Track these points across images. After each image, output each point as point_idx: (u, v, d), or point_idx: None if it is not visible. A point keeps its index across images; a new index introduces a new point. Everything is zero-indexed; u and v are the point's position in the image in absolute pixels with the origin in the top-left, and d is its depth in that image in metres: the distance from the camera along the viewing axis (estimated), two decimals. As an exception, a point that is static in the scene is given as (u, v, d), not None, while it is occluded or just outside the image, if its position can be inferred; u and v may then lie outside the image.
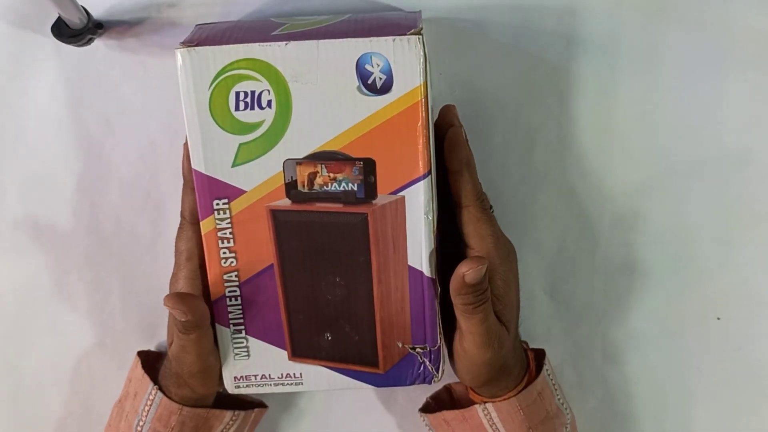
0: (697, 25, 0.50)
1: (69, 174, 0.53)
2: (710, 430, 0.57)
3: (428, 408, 0.52)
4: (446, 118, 0.45)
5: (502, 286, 0.45)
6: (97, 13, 0.50)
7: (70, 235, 0.54)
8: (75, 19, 0.47)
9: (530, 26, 0.50)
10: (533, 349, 0.51)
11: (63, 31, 0.48)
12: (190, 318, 0.42)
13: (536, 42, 0.51)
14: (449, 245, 0.46)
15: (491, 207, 0.46)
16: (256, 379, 0.47)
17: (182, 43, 0.41)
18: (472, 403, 0.48)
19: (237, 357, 0.46)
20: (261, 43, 0.40)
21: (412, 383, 0.47)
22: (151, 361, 0.50)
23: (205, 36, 0.42)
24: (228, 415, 0.48)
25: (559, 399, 0.50)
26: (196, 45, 0.41)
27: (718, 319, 0.55)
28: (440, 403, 0.52)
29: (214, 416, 0.47)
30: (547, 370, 0.49)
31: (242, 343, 0.46)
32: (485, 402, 0.47)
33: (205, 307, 0.44)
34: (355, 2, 0.49)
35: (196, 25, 0.45)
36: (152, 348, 0.55)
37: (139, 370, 0.49)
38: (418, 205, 0.43)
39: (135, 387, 0.49)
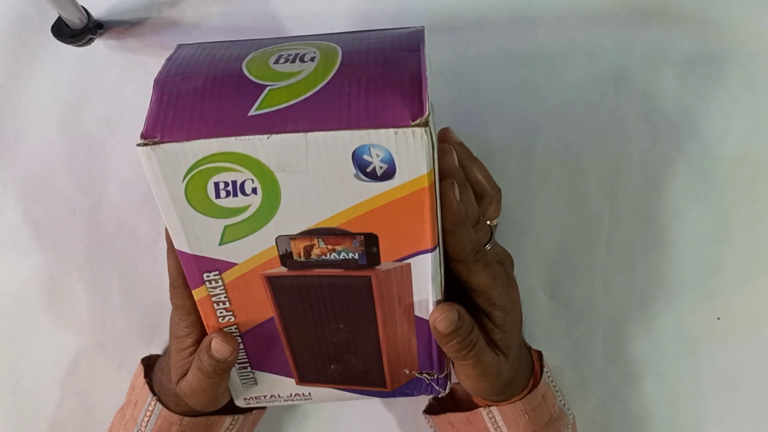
0: (697, 25, 0.50)
1: (69, 174, 0.53)
2: (710, 429, 0.57)
3: (432, 410, 0.52)
4: (442, 151, 0.40)
5: (501, 316, 0.43)
6: (97, 13, 0.50)
7: (70, 235, 0.54)
8: (75, 19, 0.47)
9: (530, 26, 0.50)
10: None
11: (63, 31, 0.48)
12: (231, 359, 0.41)
13: (536, 42, 0.51)
14: None
15: (492, 234, 0.44)
16: (265, 398, 0.46)
17: (144, 134, 0.35)
18: (476, 405, 0.48)
19: (244, 384, 0.45)
20: (237, 137, 0.34)
21: (419, 395, 0.46)
22: (153, 366, 0.50)
23: (171, 118, 0.35)
24: (228, 419, 0.48)
25: (560, 400, 0.50)
26: (161, 140, 0.34)
27: (718, 319, 0.55)
28: (442, 404, 0.52)
29: (215, 422, 0.47)
30: (547, 372, 0.49)
31: (249, 375, 0.45)
32: (490, 406, 0.47)
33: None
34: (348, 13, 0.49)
35: (178, 45, 0.40)
36: (153, 349, 0.55)
37: (141, 380, 0.48)
38: (426, 272, 0.39)
39: (136, 396, 0.49)
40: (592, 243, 0.54)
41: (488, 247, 0.43)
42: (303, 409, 0.56)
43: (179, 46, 0.40)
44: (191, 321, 0.42)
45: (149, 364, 0.50)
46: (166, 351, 0.48)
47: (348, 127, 0.33)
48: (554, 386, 0.50)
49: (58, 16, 0.47)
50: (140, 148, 0.34)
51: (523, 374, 0.47)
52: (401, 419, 0.57)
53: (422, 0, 0.49)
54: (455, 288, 0.43)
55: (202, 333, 0.42)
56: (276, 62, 0.37)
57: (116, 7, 0.50)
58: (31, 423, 0.57)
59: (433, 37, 0.49)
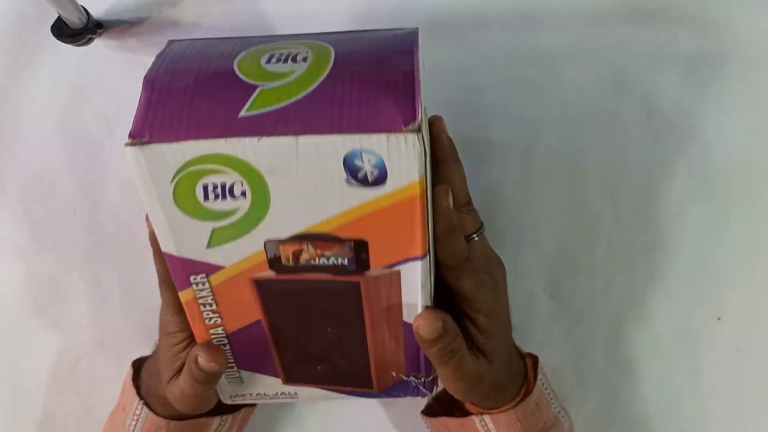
0: (697, 25, 0.50)
1: (69, 174, 0.53)
2: (711, 430, 0.57)
3: (429, 411, 0.52)
4: (436, 142, 0.40)
5: (485, 321, 0.43)
6: (97, 13, 0.50)
7: (70, 235, 0.54)
8: (75, 19, 0.47)
9: (530, 26, 0.50)
10: (529, 355, 0.51)
11: (63, 31, 0.48)
12: (218, 370, 0.41)
13: (536, 41, 0.51)
14: None
15: (482, 224, 0.44)
16: (251, 396, 0.46)
17: (132, 134, 0.34)
18: (471, 412, 0.48)
19: (230, 383, 0.45)
20: (227, 139, 0.33)
21: (406, 396, 0.46)
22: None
23: (160, 117, 0.35)
24: (216, 421, 0.48)
25: (555, 407, 0.50)
26: (149, 140, 0.34)
27: (719, 319, 0.55)
28: (441, 403, 0.52)
29: (203, 424, 0.47)
30: (541, 379, 0.49)
31: (235, 374, 0.45)
32: (482, 414, 0.47)
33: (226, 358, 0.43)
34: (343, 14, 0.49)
35: (169, 41, 0.40)
36: (152, 349, 0.55)
37: (129, 382, 0.48)
38: (415, 280, 0.39)
39: (124, 399, 0.48)
40: (593, 243, 0.54)
41: (476, 237, 0.43)
42: (297, 409, 0.56)
43: (170, 42, 0.39)
44: (182, 318, 0.42)
45: (140, 366, 0.50)
46: (154, 353, 0.48)
47: (339, 131, 0.33)
48: (548, 393, 0.50)
49: (57, 15, 0.47)
50: (128, 147, 0.34)
51: (514, 381, 0.47)
52: (400, 420, 0.57)
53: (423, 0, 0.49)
54: (442, 292, 0.42)
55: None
56: (268, 62, 0.36)
57: (116, 6, 0.50)
58: (31, 423, 0.57)
59: (432, 37, 0.49)
